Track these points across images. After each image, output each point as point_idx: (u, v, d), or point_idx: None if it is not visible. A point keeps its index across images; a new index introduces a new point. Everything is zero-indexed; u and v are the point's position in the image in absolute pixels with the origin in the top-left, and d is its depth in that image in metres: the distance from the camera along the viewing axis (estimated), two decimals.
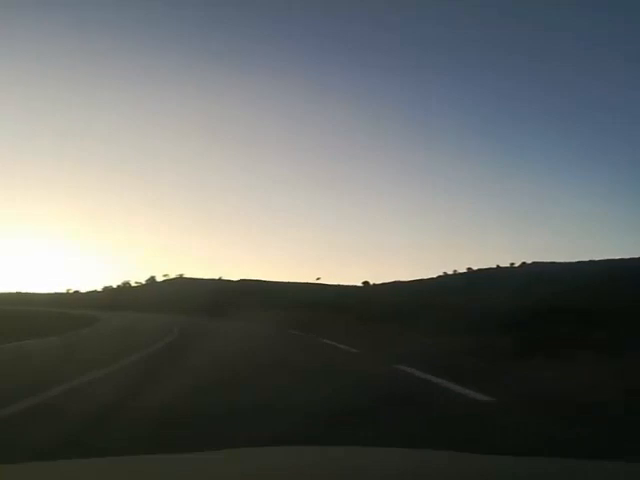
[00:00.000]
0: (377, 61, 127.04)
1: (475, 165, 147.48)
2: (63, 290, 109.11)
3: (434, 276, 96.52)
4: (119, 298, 78.17)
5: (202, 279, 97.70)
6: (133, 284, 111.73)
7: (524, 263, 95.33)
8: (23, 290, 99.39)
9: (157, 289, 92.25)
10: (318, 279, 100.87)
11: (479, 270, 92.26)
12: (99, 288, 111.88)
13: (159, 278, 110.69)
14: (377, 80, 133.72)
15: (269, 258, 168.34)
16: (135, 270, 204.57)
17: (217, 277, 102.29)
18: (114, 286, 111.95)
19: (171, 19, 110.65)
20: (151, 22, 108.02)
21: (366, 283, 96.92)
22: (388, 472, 1.86)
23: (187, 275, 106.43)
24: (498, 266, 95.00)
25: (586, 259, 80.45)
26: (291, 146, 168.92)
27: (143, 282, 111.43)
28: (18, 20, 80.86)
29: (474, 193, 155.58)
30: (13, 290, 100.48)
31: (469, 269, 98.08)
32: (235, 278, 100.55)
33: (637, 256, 65.84)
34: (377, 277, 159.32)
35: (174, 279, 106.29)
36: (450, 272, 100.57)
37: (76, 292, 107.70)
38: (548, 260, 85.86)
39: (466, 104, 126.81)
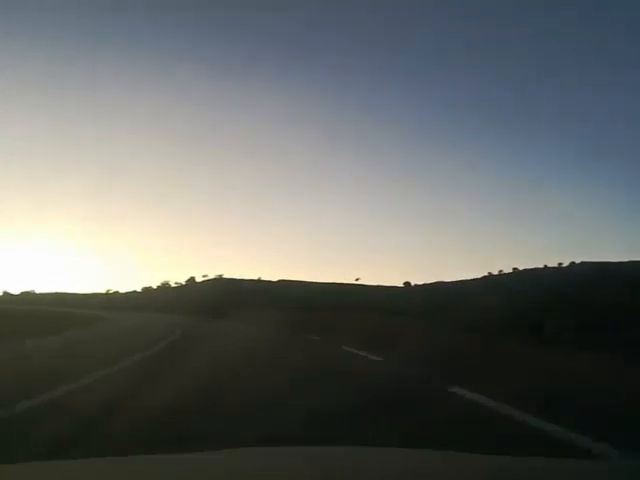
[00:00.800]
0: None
1: (518, 164, 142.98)
2: (102, 290, 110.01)
3: (478, 276, 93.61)
4: (157, 299, 77.96)
5: (241, 279, 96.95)
6: (173, 285, 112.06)
7: (573, 263, 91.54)
8: (63, 290, 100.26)
9: (196, 290, 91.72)
10: (357, 280, 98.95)
11: (525, 270, 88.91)
12: (138, 289, 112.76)
13: (199, 278, 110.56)
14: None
15: (306, 258, 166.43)
16: (175, 271, 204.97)
17: (256, 277, 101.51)
18: (154, 287, 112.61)
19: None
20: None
21: (407, 284, 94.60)
22: (388, 472, 1.89)
23: (226, 275, 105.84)
24: (546, 266, 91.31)
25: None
26: (328, 150, 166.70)
27: (183, 283, 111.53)
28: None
29: (520, 192, 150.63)
30: (55, 290, 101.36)
31: (515, 269, 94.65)
32: (274, 278, 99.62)
33: None
34: (417, 278, 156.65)
35: (213, 279, 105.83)
36: (495, 272, 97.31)
37: (116, 292, 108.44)
38: (598, 260, 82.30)
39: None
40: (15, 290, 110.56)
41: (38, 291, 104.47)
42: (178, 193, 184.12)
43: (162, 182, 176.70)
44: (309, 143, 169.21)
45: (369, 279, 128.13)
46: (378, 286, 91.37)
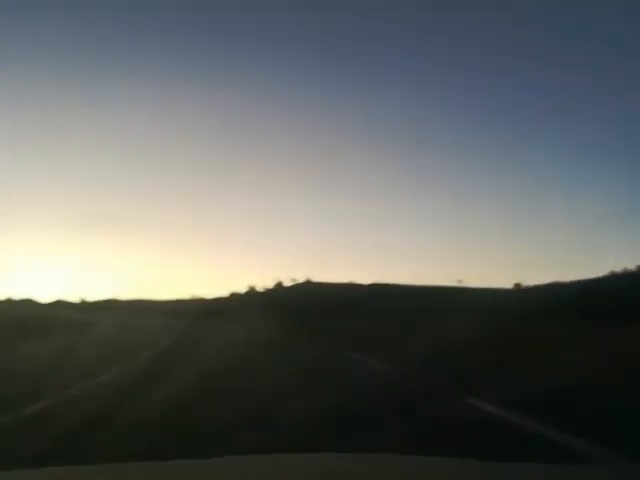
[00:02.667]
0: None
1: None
2: (187, 297, 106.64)
3: (599, 275, 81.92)
4: (244, 303, 72.11)
5: (331, 283, 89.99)
6: (260, 289, 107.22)
7: None
8: (145, 297, 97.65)
9: (283, 294, 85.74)
10: (460, 281, 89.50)
11: None
12: (226, 294, 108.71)
13: (287, 283, 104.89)
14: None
15: (403, 260, 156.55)
16: (263, 275, 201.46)
17: (347, 281, 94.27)
18: (241, 292, 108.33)
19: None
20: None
21: (518, 285, 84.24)
22: (388, 478, 1.94)
23: (315, 279, 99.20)
24: None
25: None
26: (431, 153, 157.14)
27: (270, 287, 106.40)
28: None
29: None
30: (137, 297, 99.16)
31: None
32: (366, 282, 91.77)
33: None
34: (529, 279, 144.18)
35: (301, 284, 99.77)
36: (619, 270, 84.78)
37: (201, 299, 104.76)
38: None
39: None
40: (95, 297, 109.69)
41: (121, 298, 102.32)
42: (266, 197, 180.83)
43: (247, 186, 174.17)
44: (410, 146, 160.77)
45: (473, 281, 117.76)
46: (483, 288, 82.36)
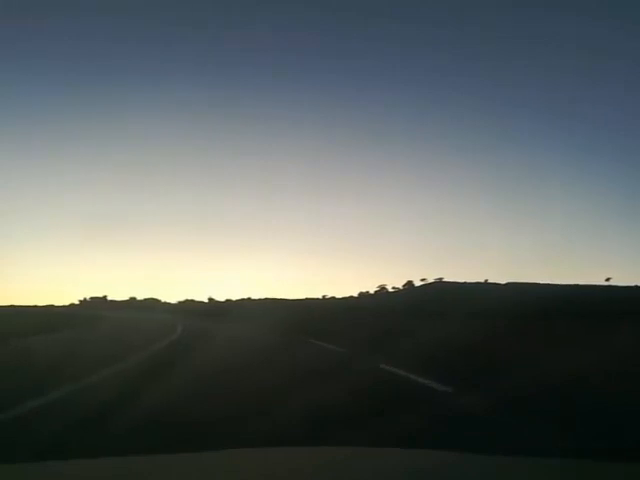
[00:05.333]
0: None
1: None
2: (319, 296, 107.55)
3: None
4: (370, 305, 71.23)
5: (464, 283, 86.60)
6: (390, 289, 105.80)
7: None
8: (275, 296, 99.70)
9: (412, 295, 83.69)
10: (608, 280, 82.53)
11: None
12: (355, 294, 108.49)
13: (417, 282, 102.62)
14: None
15: (538, 258, 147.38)
16: (394, 275, 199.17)
17: (482, 280, 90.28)
18: (370, 292, 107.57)
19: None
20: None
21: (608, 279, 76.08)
22: (388, 472, 1.90)
23: (447, 279, 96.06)
24: None
25: None
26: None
27: (400, 287, 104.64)
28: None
29: None
30: (268, 296, 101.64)
31: None
32: (502, 281, 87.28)
33: None
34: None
35: (432, 283, 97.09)
36: None
37: (332, 298, 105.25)
38: None
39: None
40: (226, 297, 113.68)
41: (254, 297, 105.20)
42: (395, 198, 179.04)
43: (374, 186, 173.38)
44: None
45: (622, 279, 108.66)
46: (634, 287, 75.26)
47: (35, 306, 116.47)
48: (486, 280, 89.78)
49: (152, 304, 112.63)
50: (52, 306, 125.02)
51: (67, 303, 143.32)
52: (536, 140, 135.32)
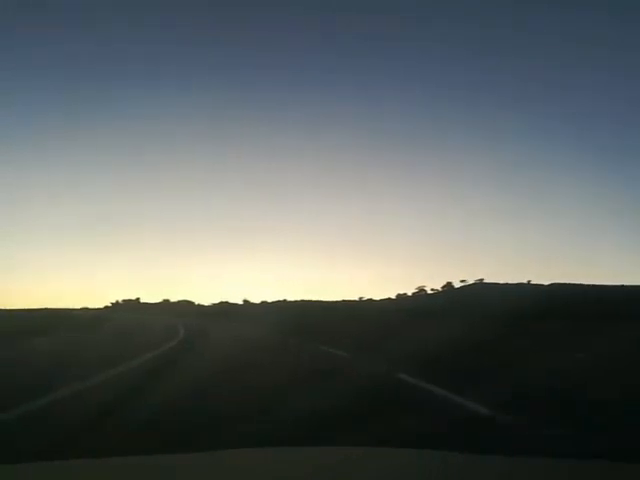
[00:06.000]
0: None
1: None
2: (354, 297, 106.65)
3: None
4: (406, 307, 70.10)
5: (505, 284, 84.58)
6: (429, 291, 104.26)
7: None
8: (309, 298, 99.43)
9: (452, 297, 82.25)
10: None
11: None
12: (392, 296, 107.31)
13: (456, 284, 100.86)
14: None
15: (581, 257, 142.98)
16: (432, 276, 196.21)
17: (525, 281, 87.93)
18: (408, 294, 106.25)
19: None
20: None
21: None
22: (388, 472, 1.90)
23: (488, 280, 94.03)
24: None
25: None
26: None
27: (439, 289, 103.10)
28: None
29: None
30: (302, 298, 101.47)
31: None
32: (546, 282, 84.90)
33: None
34: None
35: (472, 285, 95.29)
36: None
37: (369, 300, 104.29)
38: None
39: None
40: (261, 299, 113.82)
41: (290, 299, 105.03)
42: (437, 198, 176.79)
43: (417, 187, 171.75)
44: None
45: None
46: None
47: (71, 309, 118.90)
48: (529, 281, 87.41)
49: (185, 306, 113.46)
50: (86, 309, 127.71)
51: (102, 305, 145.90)
52: (578, 141, 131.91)
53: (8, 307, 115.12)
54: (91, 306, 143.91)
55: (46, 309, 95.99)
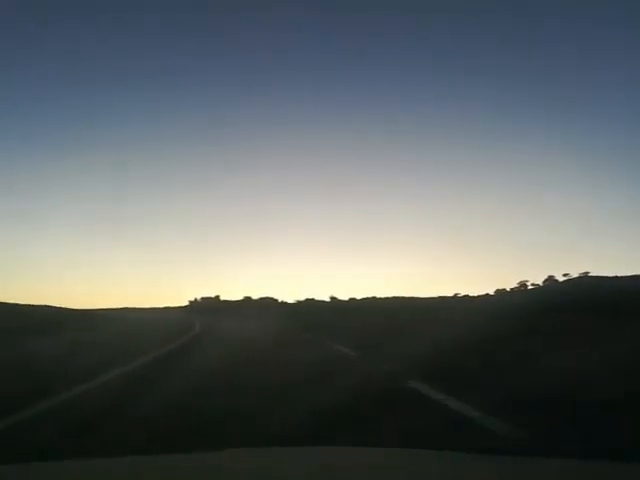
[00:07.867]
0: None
1: None
2: (450, 294, 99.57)
3: None
4: (506, 303, 62.40)
5: (615, 277, 74.11)
6: (529, 286, 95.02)
7: None
8: (403, 295, 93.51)
9: (554, 292, 73.34)
10: None
11: None
12: (491, 291, 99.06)
13: (559, 277, 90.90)
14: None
15: None
16: (533, 270, 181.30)
17: (638, 273, 76.95)
18: (507, 289, 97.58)
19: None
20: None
21: None
22: (388, 472, 1.89)
23: (593, 273, 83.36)
24: None
25: None
26: None
27: (540, 284, 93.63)
28: None
29: None
30: (395, 295, 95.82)
31: None
32: None
33: None
34: None
35: (576, 278, 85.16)
36: None
37: (466, 296, 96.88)
38: None
39: None
40: (349, 296, 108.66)
41: (379, 296, 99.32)
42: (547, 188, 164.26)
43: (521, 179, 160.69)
44: None
45: None
46: None
47: (152, 308, 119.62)
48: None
49: (268, 304, 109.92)
50: (168, 308, 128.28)
51: (184, 304, 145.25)
52: None
53: (96, 307, 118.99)
54: (171, 305, 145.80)
55: (125, 309, 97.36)
